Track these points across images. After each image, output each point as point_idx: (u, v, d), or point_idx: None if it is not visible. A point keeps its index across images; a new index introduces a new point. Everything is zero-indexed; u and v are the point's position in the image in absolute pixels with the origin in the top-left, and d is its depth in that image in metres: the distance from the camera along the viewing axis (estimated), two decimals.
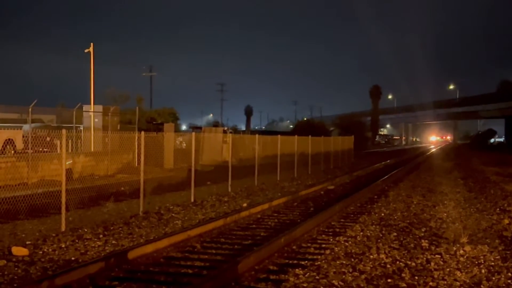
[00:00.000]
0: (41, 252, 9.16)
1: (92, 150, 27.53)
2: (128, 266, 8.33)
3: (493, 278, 7.88)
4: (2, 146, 22.96)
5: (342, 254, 9.27)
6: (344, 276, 7.84)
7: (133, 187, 17.46)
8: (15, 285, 6.97)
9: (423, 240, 10.43)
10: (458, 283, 7.61)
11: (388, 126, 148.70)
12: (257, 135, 27.09)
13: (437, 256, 9.17)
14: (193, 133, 19.54)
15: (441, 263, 8.73)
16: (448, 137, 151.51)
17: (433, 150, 79.08)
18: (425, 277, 7.88)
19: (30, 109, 25.02)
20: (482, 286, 7.48)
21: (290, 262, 8.84)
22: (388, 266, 8.52)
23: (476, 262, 8.76)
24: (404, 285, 7.49)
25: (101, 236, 10.57)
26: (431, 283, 7.58)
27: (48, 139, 23.00)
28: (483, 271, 8.26)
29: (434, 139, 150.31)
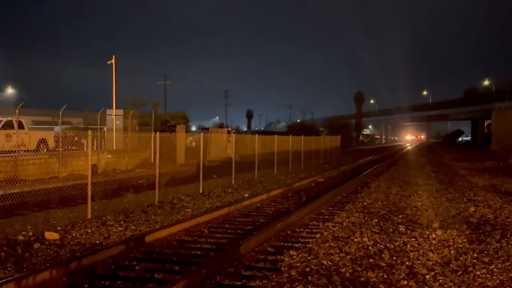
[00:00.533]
0: (70, 237, 9.17)
1: (114, 148, 27.57)
2: (145, 249, 8.33)
3: (461, 258, 7.89)
4: (37, 145, 23.01)
5: (330, 237, 9.27)
6: (332, 257, 7.85)
7: (150, 180, 17.46)
8: (48, 264, 6.97)
9: (400, 226, 10.44)
10: (430, 263, 7.62)
11: (370, 127, 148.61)
12: (257, 135, 27.13)
13: (412, 239, 9.18)
14: (202, 134, 19.56)
15: (416, 245, 8.74)
16: (422, 136, 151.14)
17: (409, 148, 79.05)
18: (402, 257, 7.89)
19: (60, 113, 25.00)
20: (451, 265, 7.49)
21: (286, 244, 8.84)
22: (370, 248, 8.53)
23: (446, 244, 8.77)
24: (384, 264, 7.50)
25: (122, 222, 10.58)
26: (407, 263, 7.59)
27: (76, 138, 23.06)
28: (452, 252, 8.27)
29: (409, 138, 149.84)
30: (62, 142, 22.22)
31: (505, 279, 6.80)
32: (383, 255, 8.01)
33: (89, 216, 10.95)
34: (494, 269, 7.25)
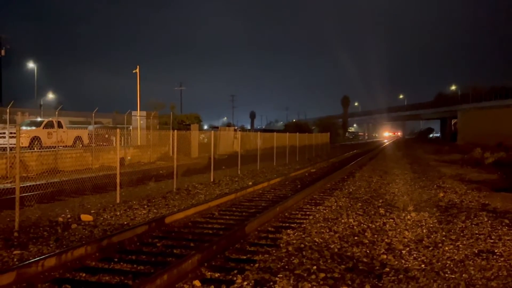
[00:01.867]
0: (102, 218, 9.19)
1: (139, 144, 27.61)
2: (165, 228, 8.35)
3: (432, 236, 7.88)
4: (73, 141, 23.07)
5: (321, 219, 9.27)
6: (323, 235, 7.85)
7: (169, 171, 17.49)
8: (83, 242, 6.99)
9: (380, 209, 10.43)
10: (406, 240, 7.62)
11: (354, 125, 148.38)
12: (259, 133, 27.14)
13: (390, 220, 9.17)
14: (212, 131, 19.56)
15: (394, 225, 8.73)
16: (399, 133, 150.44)
17: (388, 143, 78.85)
18: (382, 235, 7.89)
19: (93, 114, 25.08)
20: (423, 242, 7.48)
21: (284, 225, 8.84)
22: (355, 227, 8.52)
23: (419, 224, 8.76)
24: (367, 241, 7.50)
25: (145, 206, 10.60)
26: (386, 240, 7.59)
27: (106, 136, 23.12)
28: (424, 231, 8.26)
29: (387, 134, 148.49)
30: (94, 139, 22.28)
31: (469, 253, 6.79)
32: (366, 234, 8.00)
33: (117, 201, 10.98)
34: (460, 245, 7.24)
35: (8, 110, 19.87)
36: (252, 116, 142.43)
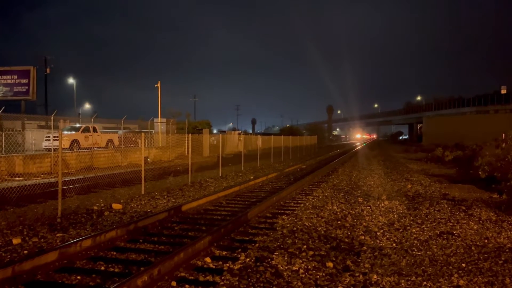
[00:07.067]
0: (129, 207, 9.18)
1: (160, 145, 27.60)
2: (182, 215, 8.33)
3: (402, 220, 7.87)
4: (106, 143, 23.06)
5: (310, 206, 9.25)
6: (312, 220, 7.83)
7: (184, 168, 17.46)
8: (114, 226, 6.98)
9: (359, 198, 10.42)
10: (380, 223, 7.60)
11: (337, 129, 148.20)
12: (259, 136, 27.13)
13: (367, 207, 9.16)
14: (220, 135, 19.57)
15: (370, 211, 8.71)
16: (374, 136, 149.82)
17: (365, 144, 78.67)
18: (360, 220, 7.87)
19: (122, 121, 25.11)
20: (394, 225, 7.46)
21: (279, 211, 8.82)
22: (338, 213, 8.51)
23: (391, 211, 8.75)
24: (348, 224, 7.48)
25: (165, 196, 10.58)
26: (364, 223, 7.57)
27: (133, 139, 23.08)
28: (395, 216, 8.25)
29: (359, 136, 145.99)
30: (123, 141, 22.28)
31: (432, 234, 6.78)
32: (347, 218, 7.99)
33: (142, 193, 10.97)
34: (425, 228, 7.22)
35: (52, 118, 19.92)
36: (253, 122, 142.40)
